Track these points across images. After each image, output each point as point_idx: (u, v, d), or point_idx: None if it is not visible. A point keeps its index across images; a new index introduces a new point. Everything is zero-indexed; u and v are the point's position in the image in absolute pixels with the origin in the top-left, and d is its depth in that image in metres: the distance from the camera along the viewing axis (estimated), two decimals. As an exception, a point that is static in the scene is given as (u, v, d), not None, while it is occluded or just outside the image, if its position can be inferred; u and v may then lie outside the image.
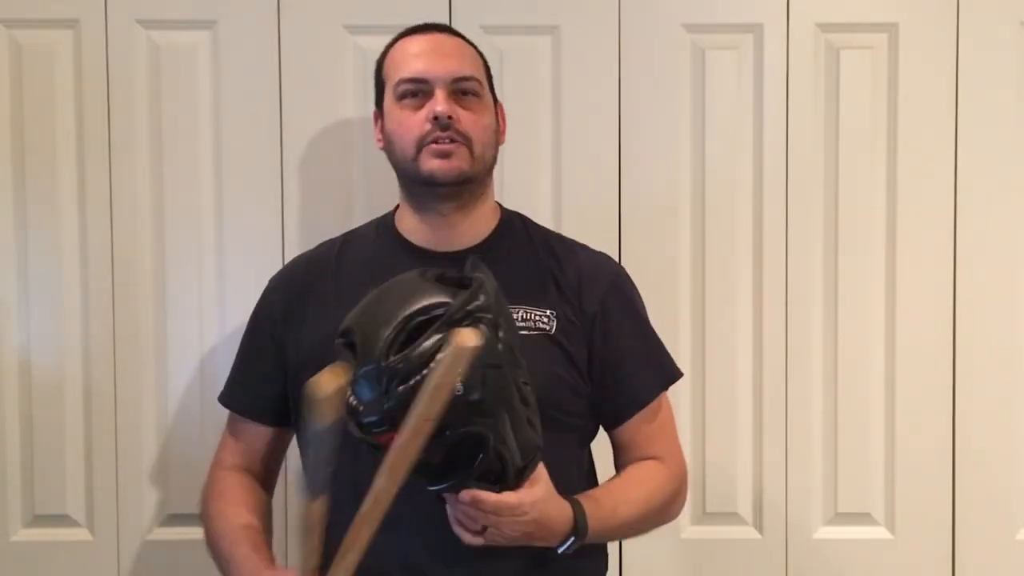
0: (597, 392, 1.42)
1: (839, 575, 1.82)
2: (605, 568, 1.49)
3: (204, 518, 1.49)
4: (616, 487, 1.41)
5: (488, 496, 1.19)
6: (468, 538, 1.23)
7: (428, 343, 1.11)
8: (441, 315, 1.13)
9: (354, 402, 1.14)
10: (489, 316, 1.15)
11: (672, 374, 1.50)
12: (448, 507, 1.23)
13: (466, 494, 1.18)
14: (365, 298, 1.22)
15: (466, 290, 1.16)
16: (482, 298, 1.15)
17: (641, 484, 1.41)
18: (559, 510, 1.27)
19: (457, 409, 1.11)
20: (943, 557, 1.82)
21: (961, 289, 1.81)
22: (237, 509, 1.45)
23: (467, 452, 1.16)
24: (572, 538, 1.28)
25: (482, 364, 1.12)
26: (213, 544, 1.45)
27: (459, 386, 1.09)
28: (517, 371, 1.20)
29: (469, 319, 1.13)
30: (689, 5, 1.80)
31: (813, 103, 1.80)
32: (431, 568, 1.34)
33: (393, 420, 1.11)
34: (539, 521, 1.24)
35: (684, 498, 1.48)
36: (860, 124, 1.81)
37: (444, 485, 1.19)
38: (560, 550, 1.28)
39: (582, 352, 1.40)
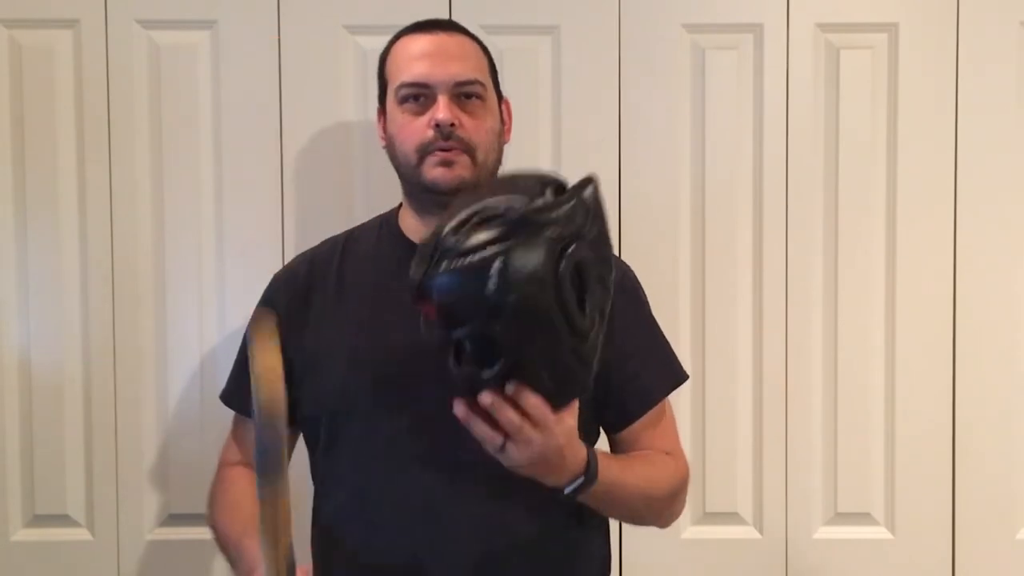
0: (602, 393, 1.38)
1: (839, 575, 1.82)
2: (609, 552, 1.49)
3: (210, 511, 1.49)
4: (624, 457, 1.39)
5: (532, 396, 1.13)
6: (491, 449, 1.18)
7: (481, 236, 1.10)
8: (501, 214, 1.12)
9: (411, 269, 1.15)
10: (555, 229, 1.11)
11: (679, 375, 1.48)
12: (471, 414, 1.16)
13: (512, 386, 1.12)
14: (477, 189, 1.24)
15: (557, 199, 1.14)
16: (557, 210, 1.12)
17: (649, 463, 1.39)
18: (579, 447, 1.23)
19: (478, 305, 1.09)
20: (943, 557, 1.82)
21: (961, 289, 1.81)
22: (245, 501, 1.44)
23: (490, 356, 1.13)
24: (581, 479, 1.23)
25: (523, 273, 1.09)
26: (221, 534, 1.45)
27: (491, 285, 1.08)
28: (574, 299, 1.13)
29: (529, 226, 1.11)
30: (689, 5, 1.80)
31: (813, 103, 1.80)
32: (433, 559, 1.34)
33: (421, 295, 1.12)
34: (562, 450, 1.18)
35: (684, 500, 1.46)
36: (860, 124, 1.81)
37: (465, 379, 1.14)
38: (567, 490, 1.24)
39: None
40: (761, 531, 1.83)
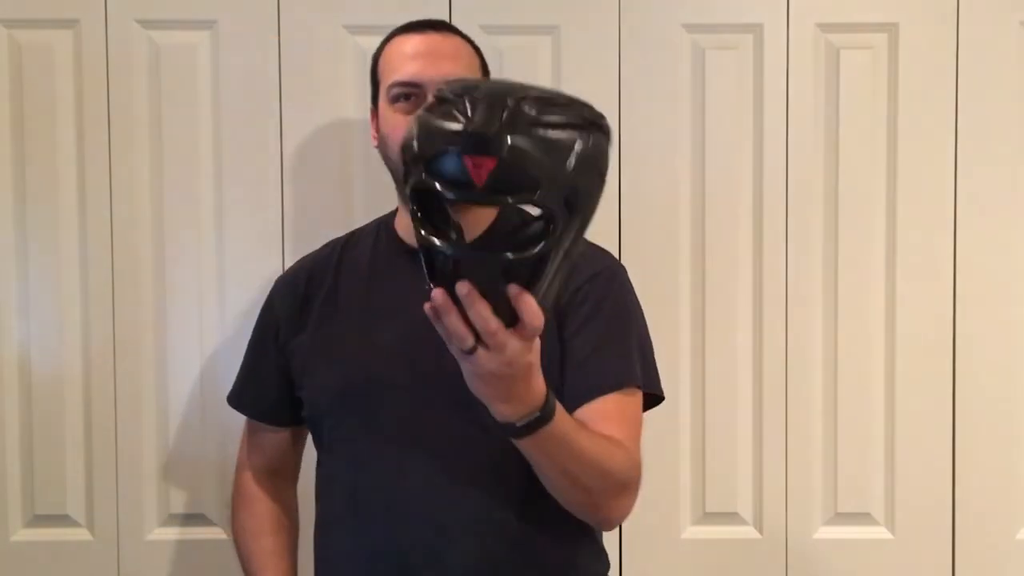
0: (555, 375, 1.32)
1: (839, 575, 1.82)
2: (606, 569, 1.48)
3: (233, 525, 1.55)
4: (577, 421, 1.27)
5: (532, 298, 1.04)
6: (454, 350, 1.08)
7: (560, 116, 1.06)
8: (566, 104, 1.09)
9: (468, 111, 1.05)
10: (604, 132, 1.10)
11: (630, 377, 1.35)
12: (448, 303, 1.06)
13: (515, 287, 1.03)
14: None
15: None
16: (605, 123, 1.12)
17: (603, 436, 1.28)
18: (541, 378, 1.14)
19: (551, 176, 1.04)
20: (943, 557, 1.82)
21: (961, 289, 1.81)
22: (263, 530, 1.52)
23: (516, 235, 1.08)
24: (537, 413, 1.14)
25: (597, 163, 1.08)
26: (240, 556, 1.54)
27: (572, 160, 1.05)
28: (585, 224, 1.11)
29: (596, 124, 1.09)
30: (689, 5, 1.80)
31: (813, 103, 1.80)
32: (426, 562, 1.33)
33: (487, 147, 1.03)
34: (528, 371, 1.10)
35: (632, 500, 1.33)
36: (860, 124, 1.81)
37: (480, 252, 1.08)
38: (520, 423, 1.14)
39: (554, 344, 1.33)
40: (761, 531, 1.83)
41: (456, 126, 1.04)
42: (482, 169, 1.03)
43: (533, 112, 1.05)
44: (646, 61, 1.80)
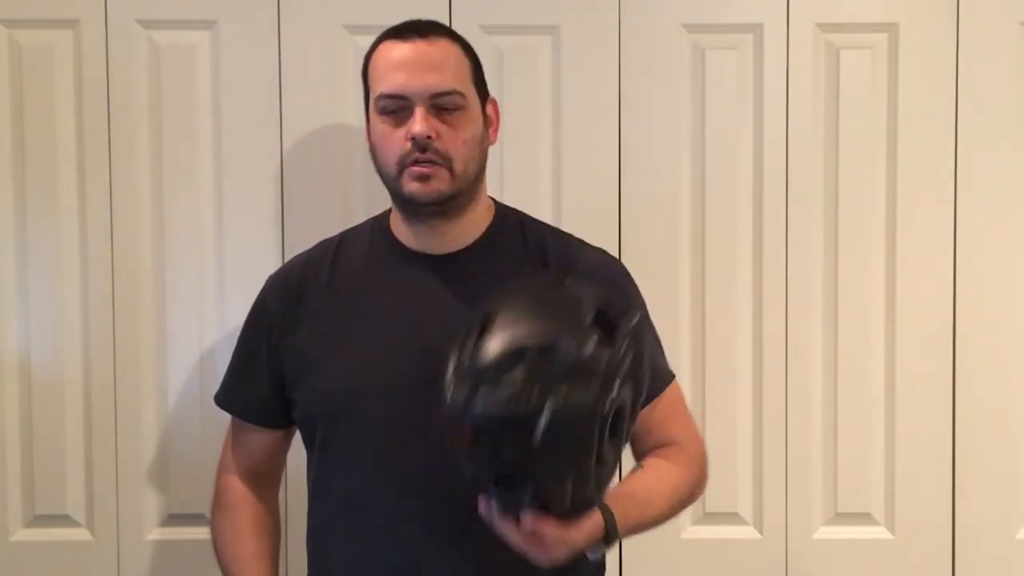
0: None
1: (839, 575, 1.82)
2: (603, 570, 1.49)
3: (213, 530, 1.53)
4: (643, 484, 1.39)
5: (548, 525, 1.18)
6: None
7: (531, 379, 1.10)
8: (554, 355, 1.12)
9: (450, 376, 1.16)
10: (603, 376, 1.12)
11: (670, 374, 1.49)
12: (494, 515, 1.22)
13: (528, 516, 1.18)
14: (523, 292, 1.21)
15: (606, 340, 1.14)
16: (607, 355, 1.13)
17: (666, 478, 1.40)
18: (595, 519, 1.25)
19: (521, 447, 1.11)
20: (943, 557, 1.82)
21: (961, 289, 1.81)
22: (244, 533, 1.49)
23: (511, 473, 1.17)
24: (602, 545, 1.27)
25: (571, 425, 1.11)
26: (221, 561, 1.50)
27: (538, 433, 1.09)
28: (603, 432, 1.15)
29: (573, 376, 1.11)
30: (689, 5, 1.80)
31: (813, 103, 1.80)
32: (426, 567, 1.34)
33: (460, 419, 1.13)
34: (575, 539, 1.23)
35: (706, 477, 1.48)
36: (860, 124, 1.81)
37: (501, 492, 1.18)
38: (591, 557, 1.27)
39: None
40: (761, 531, 1.83)
41: (450, 389, 1.14)
42: (464, 434, 1.13)
43: (507, 381, 1.10)
44: (646, 61, 1.80)
